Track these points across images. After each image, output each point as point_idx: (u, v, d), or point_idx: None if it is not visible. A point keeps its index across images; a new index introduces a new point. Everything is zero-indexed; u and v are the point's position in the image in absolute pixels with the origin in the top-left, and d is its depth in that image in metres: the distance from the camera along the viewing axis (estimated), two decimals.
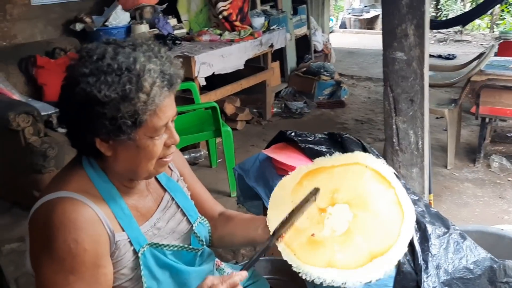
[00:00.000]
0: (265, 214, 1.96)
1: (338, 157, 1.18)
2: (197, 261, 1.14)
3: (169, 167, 1.21)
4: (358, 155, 1.20)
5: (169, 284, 1.07)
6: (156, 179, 1.17)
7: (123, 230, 1.00)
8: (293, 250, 1.00)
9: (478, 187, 3.19)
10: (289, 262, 1.01)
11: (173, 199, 1.16)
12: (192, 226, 1.16)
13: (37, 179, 2.75)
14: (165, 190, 1.16)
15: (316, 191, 1.09)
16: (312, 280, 0.96)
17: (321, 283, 0.96)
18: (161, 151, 1.00)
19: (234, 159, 3.09)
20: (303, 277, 0.98)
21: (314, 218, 1.05)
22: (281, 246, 1.03)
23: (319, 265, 0.97)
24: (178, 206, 1.16)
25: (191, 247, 1.13)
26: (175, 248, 1.09)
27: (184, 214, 1.17)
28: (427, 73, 1.75)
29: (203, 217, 1.22)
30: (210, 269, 1.19)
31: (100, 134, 0.93)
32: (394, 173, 1.17)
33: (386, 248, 0.99)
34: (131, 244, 1.01)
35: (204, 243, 1.17)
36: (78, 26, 3.81)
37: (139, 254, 1.01)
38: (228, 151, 3.05)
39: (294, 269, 0.99)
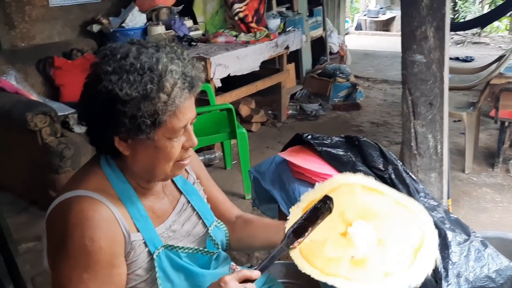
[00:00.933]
0: (280, 217, 1.95)
1: (320, 187, 1.18)
2: (212, 264, 1.13)
3: (185, 169, 1.20)
4: (338, 178, 1.21)
5: (184, 286, 1.07)
6: (173, 181, 1.17)
7: (138, 231, 1.00)
8: (346, 278, 0.98)
9: (497, 192, 3.13)
10: None
11: (188, 202, 1.16)
12: (207, 229, 1.16)
13: (54, 179, 2.78)
14: (181, 192, 1.16)
15: (327, 199, 1.09)
16: None
17: None
18: (178, 153, 1.00)
19: (249, 161, 3.08)
20: None
21: (343, 243, 1.05)
22: (324, 277, 1.00)
23: (378, 279, 0.97)
24: (194, 209, 1.16)
25: (206, 250, 1.12)
26: (190, 251, 1.08)
27: (199, 217, 1.16)
28: (447, 76, 1.71)
29: (219, 221, 1.21)
30: (225, 272, 1.18)
31: (120, 132, 0.94)
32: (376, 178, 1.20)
33: (421, 239, 1.02)
34: (146, 245, 1.01)
35: (220, 247, 1.17)
36: (95, 27, 3.85)
37: (154, 256, 1.01)
38: (243, 153, 3.04)
39: None
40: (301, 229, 1.06)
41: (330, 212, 1.09)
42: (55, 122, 2.78)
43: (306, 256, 1.03)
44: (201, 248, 1.11)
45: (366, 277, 0.97)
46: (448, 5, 1.62)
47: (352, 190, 1.16)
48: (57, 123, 2.80)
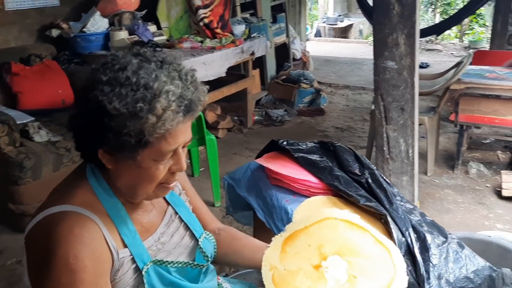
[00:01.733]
0: (256, 224, 1.94)
1: (307, 218, 1.20)
2: (201, 277, 1.10)
3: None
4: (325, 211, 1.23)
5: None
6: None
7: (126, 247, 0.96)
8: None
9: (458, 194, 3.25)
10: None
11: (176, 213, 1.13)
12: (197, 241, 1.13)
13: (13, 191, 2.64)
14: (168, 203, 1.13)
15: None
16: None
17: None
18: (164, 176, 0.95)
19: (218, 168, 3.05)
20: None
21: (314, 276, 1.06)
22: None
23: None
24: (181, 220, 1.13)
25: (196, 263, 1.09)
26: (180, 265, 1.05)
27: (187, 229, 1.13)
28: (417, 82, 1.76)
29: (208, 232, 1.18)
30: (214, 286, 1.16)
31: (103, 145, 0.89)
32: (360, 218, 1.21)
33: (390, 281, 1.04)
34: (134, 261, 0.96)
35: (209, 259, 1.14)
36: (55, 32, 3.71)
37: (143, 272, 0.97)
38: (213, 160, 3.01)
39: None
40: None
41: None
42: (13, 131, 2.65)
43: (278, 283, 1.04)
44: (190, 262, 1.08)
45: None
46: (418, 13, 1.67)
47: (336, 224, 1.17)
48: (16, 132, 2.67)
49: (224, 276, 1.66)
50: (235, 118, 4.59)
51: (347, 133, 4.51)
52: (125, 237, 0.96)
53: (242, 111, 4.60)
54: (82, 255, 0.86)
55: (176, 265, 1.04)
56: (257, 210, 1.69)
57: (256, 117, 4.73)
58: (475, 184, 3.38)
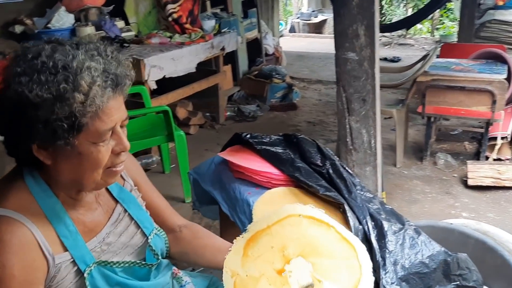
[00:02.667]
0: (221, 218, 1.93)
1: (269, 216, 1.14)
2: (152, 274, 1.08)
3: (121, 176, 1.12)
4: (287, 208, 1.17)
5: None
6: (107, 190, 1.08)
7: (66, 250, 0.92)
8: None
9: (426, 184, 3.31)
10: None
11: (126, 211, 1.08)
12: (147, 239, 1.09)
13: None
14: (117, 201, 1.08)
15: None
16: None
17: None
18: (108, 159, 0.91)
19: (188, 164, 3.02)
20: None
21: (277, 282, 1.01)
22: None
23: None
24: (132, 218, 1.09)
25: (143, 263, 1.06)
26: (126, 265, 1.02)
27: (138, 227, 1.09)
28: (377, 72, 1.78)
29: (158, 228, 1.15)
30: (166, 282, 1.13)
31: (36, 140, 0.85)
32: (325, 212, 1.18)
33: (356, 281, 1.01)
34: (75, 264, 0.93)
35: (160, 257, 1.11)
36: (18, 29, 3.61)
37: (85, 274, 0.93)
38: (182, 156, 2.98)
39: None
40: None
41: None
42: None
43: None
44: (137, 261, 1.05)
45: None
46: (377, 4, 1.68)
47: (299, 222, 1.13)
48: None
49: (191, 271, 1.65)
50: (207, 114, 4.56)
51: (319, 127, 4.54)
52: (65, 239, 0.92)
53: (213, 107, 4.58)
54: (10, 264, 0.83)
55: (122, 265, 1.01)
56: (221, 203, 1.69)
57: (228, 113, 4.71)
58: (442, 174, 3.45)
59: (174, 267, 1.28)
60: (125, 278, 1.00)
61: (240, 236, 1.11)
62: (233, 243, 1.10)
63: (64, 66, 0.83)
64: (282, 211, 1.15)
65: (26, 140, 0.86)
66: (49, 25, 3.56)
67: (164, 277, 1.13)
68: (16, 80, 0.82)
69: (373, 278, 1.03)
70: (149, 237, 1.09)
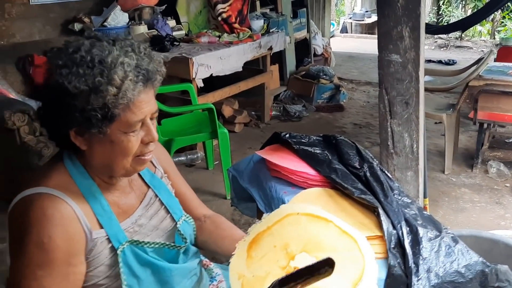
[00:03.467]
0: (259, 216, 1.95)
1: (268, 217, 1.15)
2: (180, 258, 1.13)
3: (152, 163, 1.20)
4: (285, 208, 1.18)
5: (151, 281, 1.06)
6: (140, 175, 1.15)
7: (102, 227, 0.99)
8: None
9: (475, 193, 3.18)
10: None
11: (156, 196, 1.15)
12: (176, 223, 1.15)
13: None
14: (148, 187, 1.15)
15: (329, 262, 0.96)
16: None
17: None
18: (138, 148, 0.98)
19: (230, 161, 3.07)
20: None
21: None
22: None
23: None
24: (162, 203, 1.15)
25: (173, 244, 1.11)
26: (157, 246, 1.07)
27: (168, 212, 1.15)
28: (422, 75, 1.74)
29: (188, 215, 1.21)
30: (194, 267, 1.18)
31: (73, 126, 0.93)
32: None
33: (361, 270, 1.02)
34: (110, 241, 1.00)
35: (188, 241, 1.16)
36: (77, 26, 3.81)
37: (118, 252, 1.00)
38: (224, 153, 3.04)
39: None
40: (288, 281, 0.94)
41: (328, 275, 0.97)
42: (34, 121, 2.75)
43: None
44: (167, 243, 1.10)
45: None
46: (423, 5, 1.64)
47: (298, 220, 1.14)
48: (36, 122, 2.77)
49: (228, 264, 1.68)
50: (253, 113, 4.61)
51: (365, 130, 4.47)
52: (100, 217, 0.99)
53: (259, 106, 4.62)
54: (55, 235, 0.91)
55: (153, 245, 1.06)
56: (258, 201, 1.71)
57: (273, 113, 4.73)
58: (494, 183, 3.30)
59: (206, 259, 1.31)
60: (155, 258, 1.06)
61: (242, 239, 1.12)
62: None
63: (100, 60, 0.90)
64: (280, 211, 1.17)
65: (64, 126, 0.94)
66: (105, 23, 3.74)
67: (192, 262, 1.17)
68: (57, 71, 0.90)
69: (376, 266, 1.04)
70: (178, 222, 1.15)
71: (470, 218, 2.89)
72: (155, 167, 1.21)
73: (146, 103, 0.96)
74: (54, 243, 0.90)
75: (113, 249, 1.00)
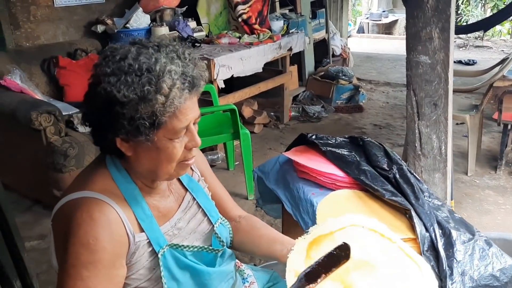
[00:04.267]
0: (284, 217, 1.96)
1: (333, 222, 1.14)
2: (217, 261, 1.13)
3: (190, 167, 1.20)
4: (351, 217, 1.16)
5: (190, 285, 1.07)
6: (178, 179, 1.16)
7: (143, 231, 1.00)
8: None
9: (499, 195, 3.13)
10: None
11: (194, 199, 1.16)
12: (213, 226, 1.16)
13: (58, 178, 2.79)
14: (186, 190, 1.16)
15: (346, 248, 1.02)
16: None
17: None
18: (182, 153, 0.99)
19: (252, 162, 3.08)
20: None
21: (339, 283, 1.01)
22: None
23: None
24: (199, 206, 1.16)
25: (211, 248, 1.12)
26: (195, 249, 1.08)
27: (205, 215, 1.16)
28: (451, 77, 1.72)
29: (223, 218, 1.21)
30: (231, 270, 1.19)
31: (120, 134, 0.93)
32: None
33: None
34: (150, 245, 1.00)
35: (225, 244, 1.17)
36: (100, 28, 3.86)
37: (159, 255, 1.01)
38: (246, 154, 3.05)
39: None
40: (313, 274, 0.99)
41: (347, 260, 1.02)
42: (59, 122, 2.79)
43: None
44: (206, 246, 1.11)
45: None
46: (453, 6, 1.63)
47: (362, 233, 1.12)
48: (62, 123, 2.81)
49: (254, 265, 1.69)
50: (272, 113, 4.61)
51: (385, 131, 4.44)
52: (142, 221, 1.00)
53: (278, 107, 4.62)
54: (101, 237, 0.92)
55: (192, 249, 1.07)
56: (284, 202, 1.71)
57: (292, 113, 4.73)
58: None
59: (236, 260, 1.32)
60: (193, 262, 1.06)
61: (302, 237, 1.12)
62: (291, 237, 1.13)
63: (147, 69, 0.90)
64: (345, 220, 1.15)
65: (111, 133, 0.94)
66: (127, 25, 3.78)
67: (229, 265, 1.18)
68: (106, 79, 0.90)
69: None
70: (215, 225, 1.16)
71: (495, 220, 2.85)
72: (193, 170, 1.22)
73: (191, 110, 0.96)
74: (100, 244, 0.92)
75: (154, 253, 1.01)
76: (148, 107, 0.89)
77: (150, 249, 1.00)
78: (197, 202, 1.16)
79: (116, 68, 0.90)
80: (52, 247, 0.99)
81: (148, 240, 1.00)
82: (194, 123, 1.00)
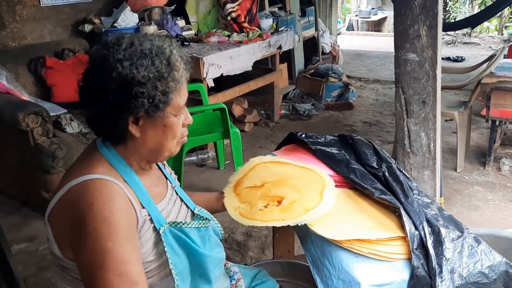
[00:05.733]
0: None
1: (242, 168, 1.54)
2: (208, 245, 1.20)
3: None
4: (253, 160, 1.58)
5: (187, 263, 1.12)
6: (159, 167, 1.25)
7: (144, 208, 1.05)
8: (280, 220, 1.27)
9: (488, 191, 3.16)
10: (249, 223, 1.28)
11: (172, 186, 1.24)
12: (193, 212, 1.24)
13: (46, 180, 2.76)
14: (166, 178, 1.25)
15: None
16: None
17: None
18: (180, 130, 1.10)
19: (242, 161, 3.08)
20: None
21: (269, 197, 1.36)
22: (264, 223, 1.27)
23: (302, 214, 1.28)
24: (177, 194, 1.24)
25: (203, 221, 1.21)
26: (192, 225, 1.15)
27: (183, 201, 1.24)
28: (439, 74, 1.72)
29: (200, 207, 1.29)
30: (223, 258, 1.27)
31: (136, 112, 1.00)
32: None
33: (322, 185, 1.41)
34: (152, 222, 1.06)
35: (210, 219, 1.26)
36: (87, 27, 3.82)
37: (161, 232, 1.06)
38: (237, 153, 3.04)
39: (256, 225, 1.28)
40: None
41: None
42: (47, 122, 2.76)
43: (246, 215, 1.29)
44: (199, 221, 1.19)
45: (293, 215, 1.27)
46: (441, 4, 1.63)
47: (266, 166, 1.52)
48: (49, 123, 2.78)
49: (245, 264, 1.71)
50: (262, 112, 4.61)
51: (375, 128, 4.45)
52: (142, 200, 1.06)
53: (269, 105, 4.62)
54: (114, 209, 0.96)
55: (189, 225, 1.13)
56: None
57: (283, 111, 4.73)
58: (507, 181, 3.28)
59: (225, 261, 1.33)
60: (191, 241, 1.12)
61: (227, 186, 1.45)
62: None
63: (157, 53, 1.02)
64: (250, 163, 1.55)
65: (127, 113, 1.00)
66: (115, 24, 3.75)
67: (222, 254, 1.26)
68: (121, 65, 0.98)
69: (332, 181, 1.43)
70: (195, 210, 1.25)
71: (484, 216, 2.87)
72: (164, 164, 1.30)
73: (185, 89, 1.09)
74: (115, 215, 0.95)
75: (155, 229, 1.06)
76: (165, 84, 1.01)
77: (152, 225, 1.06)
78: (175, 190, 1.24)
79: (128, 54, 0.99)
80: (53, 240, 1.02)
81: (150, 217, 1.06)
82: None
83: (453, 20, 9.57)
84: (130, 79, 0.97)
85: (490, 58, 3.51)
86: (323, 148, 1.65)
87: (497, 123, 3.36)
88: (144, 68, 0.99)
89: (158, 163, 1.24)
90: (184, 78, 1.06)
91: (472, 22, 5.17)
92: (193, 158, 3.63)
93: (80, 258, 0.95)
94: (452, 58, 7.39)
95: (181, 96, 1.06)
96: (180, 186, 1.31)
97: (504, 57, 3.92)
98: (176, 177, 1.35)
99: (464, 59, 7.36)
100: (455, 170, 3.44)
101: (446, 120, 4.24)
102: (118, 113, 1.00)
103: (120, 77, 0.97)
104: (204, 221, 1.21)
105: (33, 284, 2.29)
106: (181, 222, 1.12)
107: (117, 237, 0.94)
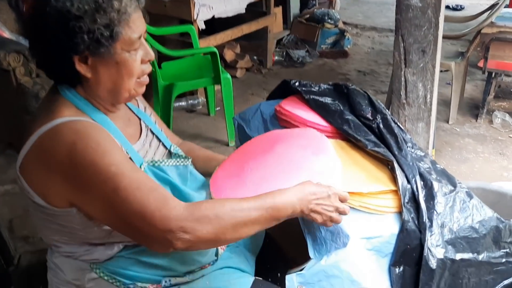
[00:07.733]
0: None
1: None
2: (190, 184, 1.17)
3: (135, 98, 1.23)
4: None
5: None
6: (129, 108, 1.19)
7: (122, 148, 1.02)
8: None
9: (479, 143, 3.16)
10: None
11: (146, 126, 1.19)
12: (169, 150, 1.21)
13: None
14: (139, 118, 1.19)
15: None
16: None
17: None
18: (139, 68, 1.02)
19: (233, 108, 3.02)
20: None
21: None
22: None
23: None
24: (153, 133, 1.20)
25: (182, 160, 1.18)
26: (170, 163, 1.12)
27: (159, 140, 1.20)
28: (441, 22, 1.65)
29: (175, 145, 1.25)
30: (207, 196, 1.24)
31: (79, 50, 0.92)
32: None
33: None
34: (131, 160, 1.02)
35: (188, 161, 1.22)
36: None
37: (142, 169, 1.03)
38: (227, 99, 2.97)
39: None
40: None
41: None
42: (29, 62, 2.65)
43: None
44: (177, 160, 1.17)
45: None
46: None
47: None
48: (32, 63, 2.67)
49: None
50: (255, 57, 4.48)
51: (369, 77, 4.37)
52: (118, 140, 1.02)
53: (261, 51, 4.48)
54: (101, 139, 0.93)
55: (167, 162, 1.11)
56: None
57: (276, 58, 4.60)
58: (498, 134, 3.28)
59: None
60: (171, 177, 1.09)
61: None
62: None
63: None
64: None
65: (68, 53, 0.93)
66: None
67: (205, 193, 1.21)
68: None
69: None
70: (171, 149, 1.21)
71: (473, 168, 2.89)
72: (137, 101, 1.24)
73: (140, 21, 0.99)
74: (105, 143, 0.93)
75: None
76: (105, 16, 0.92)
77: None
78: (150, 129, 1.19)
79: None
80: (31, 191, 0.96)
81: (129, 156, 1.03)
82: (144, 37, 1.03)
83: None
84: (66, 12, 0.89)
85: (492, 7, 3.39)
86: (316, 97, 1.59)
87: (493, 75, 3.30)
88: (79, 0, 0.90)
89: (128, 103, 1.17)
90: (133, 8, 0.96)
91: None
92: (183, 103, 3.55)
93: (90, 200, 0.92)
94: (451, 7, 7.17)
95: (131, 29, 0.96)
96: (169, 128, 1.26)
97: (506, 7, 3.80)
98: (153, 112, 1.30)
99: (463, 8, 7.15)
100: (447, 122, 3.42)
101: (441, 71, 4.16)
102: (61, 52, 0.93)
103: (55, 11, 0.89)
104: (183, 159, 1.18)
105: (19, 225, 2.28)
106: (158, 160, 1.09)
107: (117, 159, 0.92)
